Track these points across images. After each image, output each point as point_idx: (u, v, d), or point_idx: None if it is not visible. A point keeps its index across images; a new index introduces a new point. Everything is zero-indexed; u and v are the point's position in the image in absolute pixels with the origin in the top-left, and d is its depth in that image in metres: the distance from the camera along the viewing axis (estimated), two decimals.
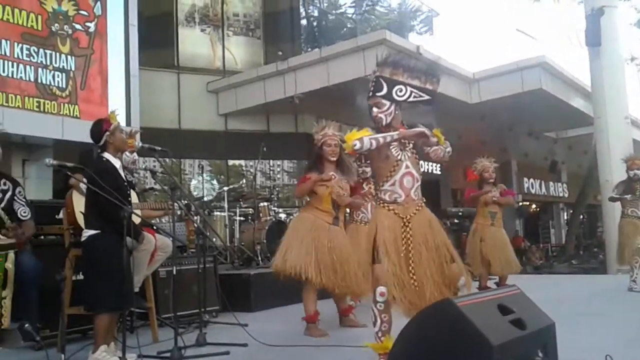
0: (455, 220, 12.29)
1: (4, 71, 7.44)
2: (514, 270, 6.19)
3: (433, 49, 12.56)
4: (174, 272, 4.04)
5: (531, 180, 20.08)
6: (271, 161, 12.71)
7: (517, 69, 11.49)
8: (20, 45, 7.66)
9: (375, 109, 3.18)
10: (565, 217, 23.71)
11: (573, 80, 12.74)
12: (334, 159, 4.41)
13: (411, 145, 3.18)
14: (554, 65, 11.80)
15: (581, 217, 21.34)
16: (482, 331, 2.18)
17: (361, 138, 3.01)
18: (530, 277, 9.76)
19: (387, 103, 3.17)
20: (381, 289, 2.94)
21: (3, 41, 7.47)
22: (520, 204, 19.12)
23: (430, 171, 15.21)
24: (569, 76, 12.58)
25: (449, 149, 3.22)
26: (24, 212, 3.52)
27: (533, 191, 20.35)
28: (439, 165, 15.79)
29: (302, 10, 13.76)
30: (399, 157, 3.10)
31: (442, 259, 2.97)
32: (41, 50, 7.90)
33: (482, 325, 2.21)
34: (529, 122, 14.03)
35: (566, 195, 22.21)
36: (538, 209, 23.38)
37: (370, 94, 3.20)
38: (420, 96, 3.17)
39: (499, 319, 2.38)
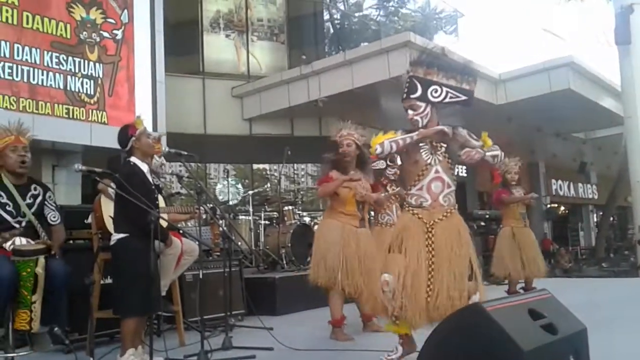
0: (482, 223, 12.12)
1: (34, 79, 7.61)
2: (541, 274, 6.09)
3: (458, 50, 12.48)
4: (201, 276, 4.06)
5: (560, 181, 19.73)
6: (295, 165, 12.74)
7: (544, 69, 11.30)
8: (49, 53, 7.83)
9: (410, 112, 3.11)
10: (595, 219, 23.23)
11: (602, 79, 12.49)
12: (348, 159, 4.34)
13: (443, 149, 3.09)
14: (582, 65, 11.58)
15: (611, 219, 20.89)
16: (512, 336, 2.13)
17: (382, 142, 2.98)
18: (559, 281, 9.57)
19: (422, 105, 3.09)
20: (386, 276, 2.88)
21: (33, 50, 7.64)
22: (549, 205, 18.79)
23: (456, 174, 15.05)
24: (598, 75, 12.33)
25: (498, 152, 3.12)
26: (54, 217, 3.57)
27: (562, 193, 19.99)
28: (464, 167, 15.62)
29: (325, 13, 13.78)
30: (428, 161, 3.05)
31: (462, 272, 2.89)
32: (70, 58, 8.05)
33: (513, 330, 2.16)
34: (557, 122, 13.79)
35: (596, 196, 21.76)
36: (567, 211, 22.96)
37: (405, 95, 3.13)
38: (457, 96, 3.07)
39: (530, 323, 2.33)
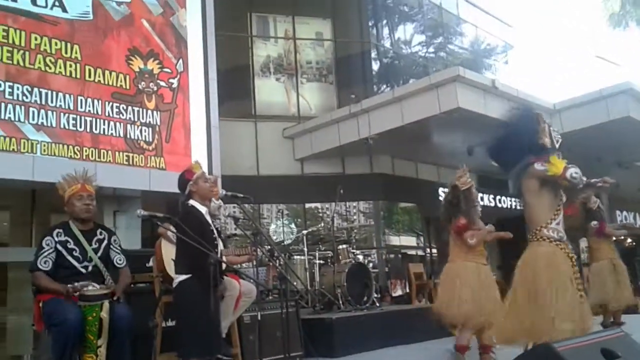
0: None
1: (96, 129, 7.97)
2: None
3: (509, 82, 12.33)
4: (259, 318, 4.06)
5: (624, 212, 18.87)
6: (347, 203, 12.74)
7: (601, 97, 10.98)
8: (110, 103, 8.21)
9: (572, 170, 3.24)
10: None
11: None
12: (477, 204, 4.63)
13: None
14: None
15: None
16: None
17: (577, 171, 3.17)
18: (628, 317, 9.02)
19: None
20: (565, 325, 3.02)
21: (95, 101, 8.03)
22: (614, 238, 17.93)
23: (514, 207, 14.64)
24: None
25: (572, 170, 3.22)
26: (120, 260, 3.68)
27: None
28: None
29: (373, 52, 13.94)
30: (562, 198, 3.30)
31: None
32: (129, 108, 8.42)
33: None
34: (618, 151, 13.28)
35: None
36: (634, 243, 21.84)
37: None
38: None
39: None
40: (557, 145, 3.46)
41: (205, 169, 4.05)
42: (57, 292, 3.29)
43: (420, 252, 14.10)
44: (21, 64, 7.38)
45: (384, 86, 13.86)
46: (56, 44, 7.75)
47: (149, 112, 8.65)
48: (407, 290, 11.75)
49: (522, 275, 3.35)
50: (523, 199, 3.45)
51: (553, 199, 3.30)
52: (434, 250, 14.16)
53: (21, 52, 7.41)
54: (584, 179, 3.26)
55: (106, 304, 3.32)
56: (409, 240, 14.09)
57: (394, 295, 11.77)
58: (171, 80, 9.07)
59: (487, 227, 4.55)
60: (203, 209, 3.64)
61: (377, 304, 7.33)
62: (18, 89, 7.28)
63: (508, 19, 18.77)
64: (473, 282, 4.36)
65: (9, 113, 7.15)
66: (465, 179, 4.63)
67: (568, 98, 11.69)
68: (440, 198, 13.40)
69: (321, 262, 7.91)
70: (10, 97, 7.20)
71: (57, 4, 7.89)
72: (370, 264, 9.22)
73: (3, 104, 7.11)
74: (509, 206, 14.05)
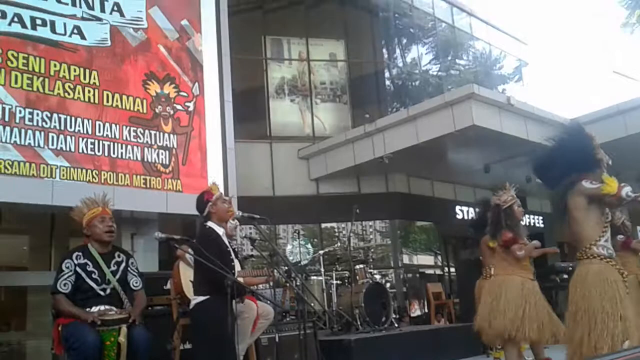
0: (565, 276, 11.48)
1: (114, 153, 8.08)
2: None
3: (525, 98, 12.29)
4: (277, 340, 4.03)
5: None
6: (363, 222, 12.70)
7: (618, 112, 10.87)
8: (128, 127, 8.32)
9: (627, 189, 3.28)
10: None
11: None
12: (521, 220, 4.67)
13: None
14: None
15: None
16: None
17: (628, 188, 3.22)
18: None
19: None
20: (627, 343, 3.03)
21: (113, 125, 8.15)
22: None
23: (532, 224, 14.48)
24: None
25: (627, 189, 3.26)
26: (136, 283, 3.70)
27: None
28: (541, 217, 15.04)
29: (386, 71, 14.01)
30: (609, 215, 3.35)
31: None
32: (146, 131, 8.52)
33: None
34: (637, 166, 13.10)
35: None
36: None
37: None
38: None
39: None
40: (607, 164, 3.53)
41: (221, 190, 4.07)
42: (78, 317, 3.30)
43: (438, 272, 13.96)
44: (41, 90, 7.53)
45: (398, 105, 13.89)
46: (75, 70, 7.91)
47: (166, 135, 8.74)
48: (426, 310, 11.62)
49: (576, 294, 3.35)
50: (569, 217, 3.43)
51: (600, 216, 3.31)
52: (452, 270, 14.01)
53: (41, 78, 7.56)
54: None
55: (124, 328, 3.32)
56: (426, 260, 13.97)
57: (412, 315, 11.64)
58: (187, 104, 9.18)
59: (534, 242, 4.53)
60: (220, 230, 3.66)
61: (396, 325, 7.24)
62: (38, 114, 7.42)
63: (522, 36, 18.77)
64: (517, 297, 4.30)
65: (29, 139, 7.28)
66: (507, 197, 4.62)
67: (585, 113, 11.59)
68: (458, 216, 13.41)
69: (338, 282, 7.87)
70: (30, 123, 7.33)
71: (75, 31, 8.07)
72: (388, 284, 9.14)
73: (23, 130, 7.25)
74: (528, 223, 13.90)
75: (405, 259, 13.18)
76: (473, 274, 7.62)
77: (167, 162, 8.66)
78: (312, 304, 7.02)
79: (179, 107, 9.04)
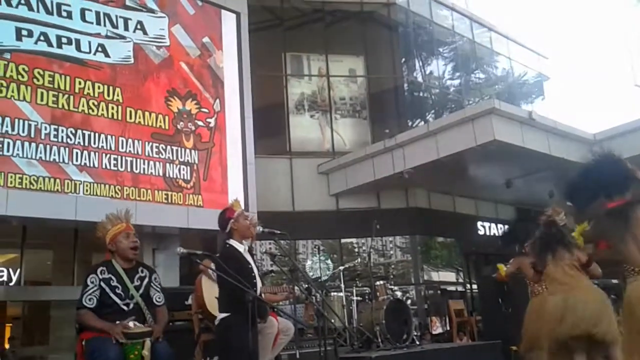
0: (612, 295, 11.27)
1: (136, 168, 8.18)
2: None
3: (546, 113, 12.17)
4: (297, 356, 4.00)
5: None
6: (383, 238, 12.61)
7: None
8: (150, 144, 8.43)
9: None
10: None
11: None
12: None
13: None
14: None
15: None
16: None
17: None
18: None
19: None
20: None
21: (135, 141, 8.27)
22: None
23: None
24: None
25: None
26: (159, 298, 3.70)
27: None
28: None
29: (405, 87, 14.00)
30: None
31: None
32: (168, 147, 8.62)
33: None
34: None
35: None
36: None
37: None
38: None
39: None
40: None
41: (241, 205, 4.08)
42: (104, 330, 3.32)
43: (460, 288, 13.77)
44: (66, 107, 7.69)
45: (418, 120, 13.85)
46: (99, 87, 8.07)
47: (187, 151, 8.84)
48: (448, 328, 11.45)
49: (631, 315, 3.33)
50: (623, 235, 3.42)
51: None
52: (474, 286, 13.82)
53: (66, 96, 7.72)
54: None
55: (148, 342, 3.33)
56: (448, 276, 13.79)
57: (434, 332, 11.48)
58: (208, 120, 9.28)
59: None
60: (241, 247, 3.66)
61: (417, 342, 7.13)
62: (63, 131, 7.57)
63: (543, 50, 18.65)
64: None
65: (54, 154, 7.42)
66: (562, 216, 4.66)
67: (608, 128, 11.44)
68: (480, 232, 13.26)
69: (359, 298, 7.78)
70: (55, 139, 7.48)
71: (100, 49, 8.24)
72: (409, 301, 9.04)
73: (48, 146, 7.39)
74: None
75: (426, 275, 13.04)
76: (495, 290, 7.51)
77: (189, 178, 8.74)
78: (333, 321, 6.96)
79: (200, 123, 9.14)
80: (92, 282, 3.47)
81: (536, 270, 4.68)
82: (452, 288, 13.72)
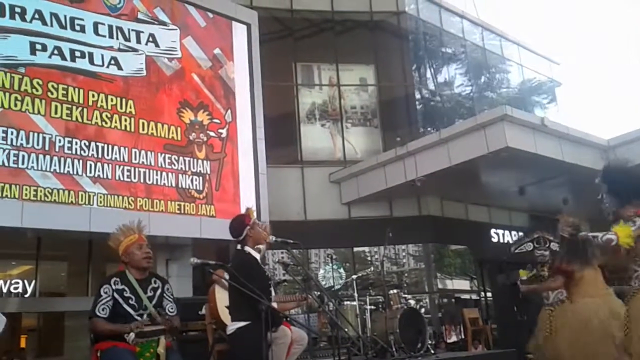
0: None
1: (149, 179, 8.23)
2: None
3: (559, 119, 12.10)
4: None
5: None
6: (396, 246, 12.56)
7: None
8: (162, 155, 8.49)
9: None
10: None
11: None
12: None
13: None
14: None
15: None
16: None
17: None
18: None
19: None
20: None
21: (148, 153, 8.33)
22: None
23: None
24: None
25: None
26: (172, 309, 3.72)
27: None
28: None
29: (416, 94, 14.00)
30: None
31: None
32: (181, 158, 8.67)
33: None
34: None
35: None
36: None
37: None
38: None
39: None
40: None
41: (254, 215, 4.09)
42: (118, 331, 3.34)
43: (474, 296, 13.66)
44: (79, 120, 7.77)
45: (429, 128, 13.82)
46: (112, 100, 8.15)
47: (200, 161, 8.88)
48: (462, 336, 11.34)
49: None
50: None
51: None
52: (489, 294, 13.69)
53: (79, 108, 7.81)
54: None
55: (162, 339, 3.36)
56: (462, 284, 13.70)
57: (448, 341, 11.37)
58: (220, 131, 9.33)
59: None
60: (257, 255, 3.68)
61: (432, 351, 7.08)
62: (76, 143, 7.64)
63: (554, 56, 18.58)
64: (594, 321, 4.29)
65: (68, 167, 7.49)
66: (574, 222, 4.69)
67: (622, 133, 11.33)
68: (493, 239, 13.16)
69: (372, 307, 7.74)
70: (69, 152, 7.55)
71: (113, 62, 8.33)
72: (423, 309, 8.99)
73: (62, 158, 7.47)
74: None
75: (440, 284, 12.96)
76: (510, 298, 7.45)
77: (201, 188, 8.78)
78: (346, 330, 6.94)
79: (212, 133, 9.19)
80: (106, 293, 3.50)
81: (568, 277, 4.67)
82: (467, 296, 13.61)
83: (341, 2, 13.56)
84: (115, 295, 3.50)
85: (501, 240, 13.40)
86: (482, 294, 13.62)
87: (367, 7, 13.76)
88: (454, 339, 11.88)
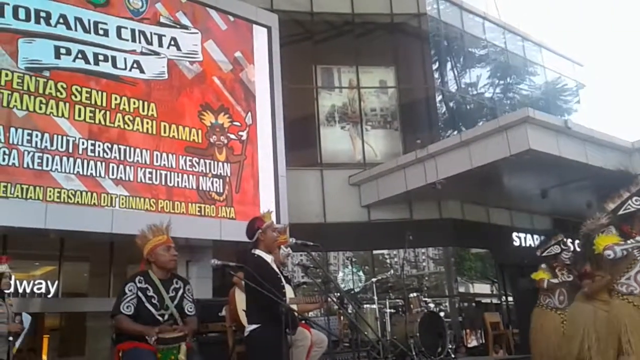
0: None
1: (170, 182, 8.30)
2: None
3: (582, 121, 11.92)
4: None
5: None
6: (416, 249, 12.48)
7: None
8: (184, 157, 8.56)
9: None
10: None
11: None
12: None
13: None
14: None
15: None
16: None
17: (612, 247, 3.41)
18: None
19: None
20: None
21: (170, 155, 8.41)
22: None
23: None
24: None
25: None
26: (191, 309, 3.74)
27: None
28: None
29: (437, 96, 13.90)
30: (637, 256, 3.45)
31: None
32: (201, 161, 8.74)
33: None
34: None
35: None
36: None
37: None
38: None
39: None
40: None
41: (273, 217, 4.09)
42: (142, 333, 3.36)
43: (495, 300, 13.51)
44: (102, 122, 7.88)
45: (450, 130, 13.72)
46: (134, 103, 8.24)
47: (220, 164, 8.94)
48: (483, 341, 11.22)
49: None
50: None
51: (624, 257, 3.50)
52: (510, 298, 13.54)
53: (102, 111, 7.92)
54: None
55: (183, 346, 3.37)
56: (483, 288, 13.55)
57: (469, 346, 11.26)
58: (240, 133, 9.38)
59: None
60: (269, 257, 3.68)
61: (452, 355, 7.04)
62: (99, 146, 7.75)
63: (578, 57, 18.32)
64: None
65: (91, 169, 7.59)
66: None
67: None
68: (515, 243, 13.01)
69: (392, 311, 7.71)
70: (92, 154, 7.66)
71: (135, 65, 8.43)
72: (443, 313, 8.91)
73: (85, 161, 7.57)
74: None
75: (461, 287, 12.83)
76: (532, 303, 7.34)
77: (221, 190, 8.83)
78: (366, 333, 6.91)
79: (232, 136, 9.24)
80: (130, 291, 3.53)
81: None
82: (487, 300, 13.48)
83: (361, 4, 13.54)
84: (139, 293, 3.54)
85: (523, 244, 13.23)
86: (504, 298, 13.47)
87: (388, 9, 13.72)
88: (474, 343, 11.77)
